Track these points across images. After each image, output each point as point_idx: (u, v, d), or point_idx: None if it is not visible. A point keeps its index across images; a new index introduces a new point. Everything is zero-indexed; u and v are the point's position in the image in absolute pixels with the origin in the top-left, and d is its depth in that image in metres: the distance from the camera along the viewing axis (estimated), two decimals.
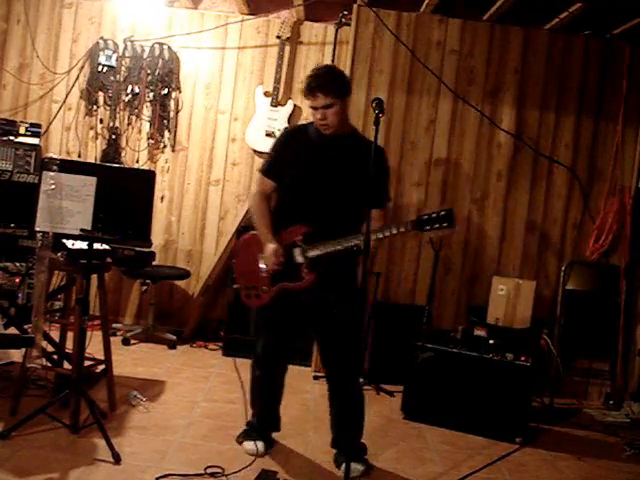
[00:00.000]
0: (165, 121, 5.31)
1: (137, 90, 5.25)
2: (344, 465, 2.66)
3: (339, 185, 2.94)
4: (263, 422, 3.31)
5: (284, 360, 3.27)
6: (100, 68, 5.23)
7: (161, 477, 2.78)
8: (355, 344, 3.12)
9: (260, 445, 3.19)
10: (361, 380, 4.31)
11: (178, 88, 5.31)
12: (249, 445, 3.19)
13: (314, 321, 3.10)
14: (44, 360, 3.53)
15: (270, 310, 3.07)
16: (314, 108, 2.89)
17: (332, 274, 2.95)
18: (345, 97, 2.91)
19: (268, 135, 5.14)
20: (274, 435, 3.36)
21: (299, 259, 2.94)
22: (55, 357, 3.60)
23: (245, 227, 5.02)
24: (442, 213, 2.70)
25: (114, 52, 5.23)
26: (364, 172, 2.75)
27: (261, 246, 3.01)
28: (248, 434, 3.27)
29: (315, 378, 4.56)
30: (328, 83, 2.86)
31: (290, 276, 2.95)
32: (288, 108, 5.19)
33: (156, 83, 5.26)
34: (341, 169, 2.95)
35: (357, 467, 3.03)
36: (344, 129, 2.99)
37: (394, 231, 2.80)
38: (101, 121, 5.30)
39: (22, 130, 4.88)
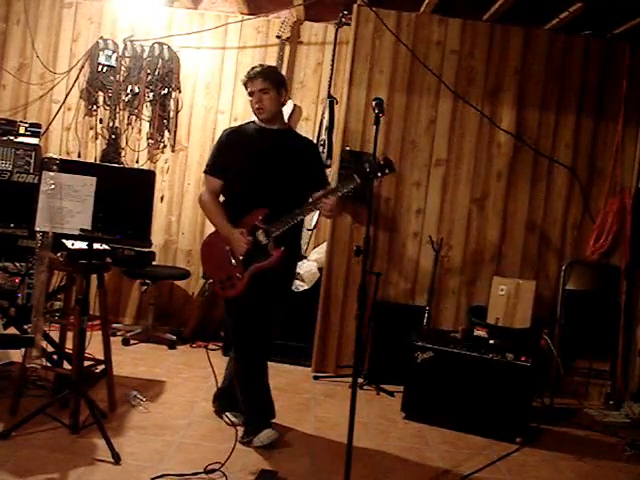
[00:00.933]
0: (165, 121, 5.31)
1: (137, 90, 5.26)
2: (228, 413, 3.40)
3: (284, 172, 3.25)
4: (261, 412, 3.31)
5: (266, 346, 3.40)
6: (100, 68, 5.23)
7: (157, 477, 2.77)
8: (284, 309, 3.52)
9: (270, 431, 3.21)
10: (361, 380, 4.35)
11: (178, 88, 5.32)
12: (261, 437, 3.19)
13: (273, 297, 3.32)
14: (44, 360, 3.52)
15: (245, 296, 3.20)
16: (251, 94, 3.28)
17: (290, 251, 3.27)
18: (280, 88, 3.29)
19: None
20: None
21: (264, 239, 3.17)
22: (55, 357, 3.60)
23: None
24: (382, 162, 3.04)
25: (114, 52, 5.23)
26: (302, 161, 3.31)
27: (223, 240, 3.23)
28: (251, 431, 3.24)
29: (315, 378, 4.55)
30: (266, 71, 3.31)
31: (259, 257, 3.18)
32: (288, 108, 5.19)
33: (156, 83, 5.26)
34: (283, 158, 3.27)
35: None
36: (281, 124, 3.36)
37: (345, 189, 3.10)
38: (101, 121, 5.30)
39: (22, 130, 4.88)
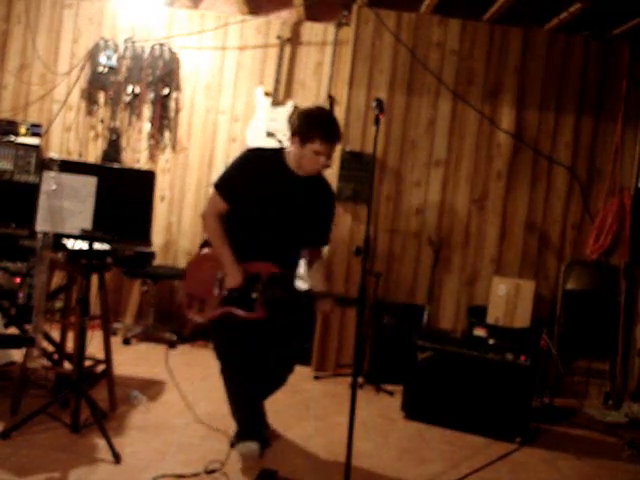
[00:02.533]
0: (165, 121, 5.31)
1: (138, 90, 5.26)
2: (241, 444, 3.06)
3: (299, 223, 3.01)
4: (253, 421, 3.22)
5: (250, 350, 3.14)
6: (101, 68, 5.24)
7: (157, 477, 2.78)
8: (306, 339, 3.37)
9: (255, 445, 3.11)
10: (361, 379, 4.33)
11: (178, 88, 5.32)
12: (245, 447, 3.12)
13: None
14: (45, 360, 3.53)
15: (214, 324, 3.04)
16: (319, 153, 2.87)
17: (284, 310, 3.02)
18: None
19: (269, 135, 5.15)
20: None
21: (255, 294, 2.94)
22: (55, 357, 3.61)
23: None
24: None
25: (114, 52, 5.24)
26: (320, 212, 3.06)
27: (217, 265, 2.98)
28: (242, 435, 3.17)
29: (315, 378, 4.56)
30: (340, 132, 2.96)
31: (242, 304, 2.95)
32: (288, 108, 5.20)
33: (156, 83, 5.27)
34: (303, 208, 3.00)
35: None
36: None
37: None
38: (102, 121, 5.31)
39: (23, 130, 4.89)
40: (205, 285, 3.03)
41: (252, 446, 3.12)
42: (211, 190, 3.11)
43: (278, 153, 3.04)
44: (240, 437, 3.19)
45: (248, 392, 3.19)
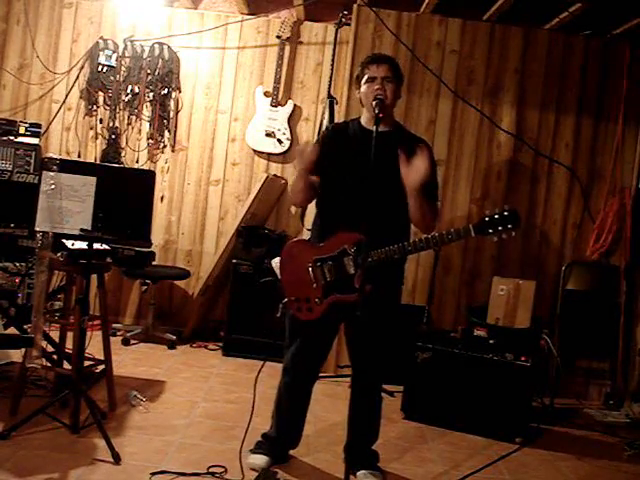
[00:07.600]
0: (165, 121, 5.31)
1: (137, 90, 5.26)
2: (360, 472, 2.94)
3: (387, 185, 2.76)
4: (281, 435, 3.10)
5: (317, 368, 3.12)
6: (100, 68, 5.23)
7: (156, 473, 2.78)
8: (384, 345, 3.03)
9: (264, 460, 3.00)
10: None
11: (178, 88, 5.32)
12: (252, 459, 3.02)
13: (356, 325, 2.84)
14: (44, 360, 3.52)
15: (318, 323, 2.88)
16: (372, 79, 2.81)
17: (385, 281, 2.84)
18: (400, 84, 2.89)
19: (268, 135, 5.15)
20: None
21: (351, 270, 2.77)
22: (55, 357, 3.60)
23: (245, 227, 5.01)
24: (505, 213, 2.61)
25: (114, 52, 5.24)
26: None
27: (308, 253, 2.85)
28: (258, 446, 3.09)
29: None
30: (393, 60, 2.90)
31: (343, 288, 2.78)
32: (288, 108, 5.20)
33: (156, 83, 5.26)
34: (389, 168, 2.75)
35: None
36: (390, 125, 2.90)
37: (454, 237, 2.70)
38: (101, 121, 5.30)
39: (22, 130, 4.89)
40: (303, 283, 2.85)
41: (261, 460, 3.00)
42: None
43: (353, 119, 3.00)
44: (256, 448, 3.08)
45: (297, 400, 3.10)
